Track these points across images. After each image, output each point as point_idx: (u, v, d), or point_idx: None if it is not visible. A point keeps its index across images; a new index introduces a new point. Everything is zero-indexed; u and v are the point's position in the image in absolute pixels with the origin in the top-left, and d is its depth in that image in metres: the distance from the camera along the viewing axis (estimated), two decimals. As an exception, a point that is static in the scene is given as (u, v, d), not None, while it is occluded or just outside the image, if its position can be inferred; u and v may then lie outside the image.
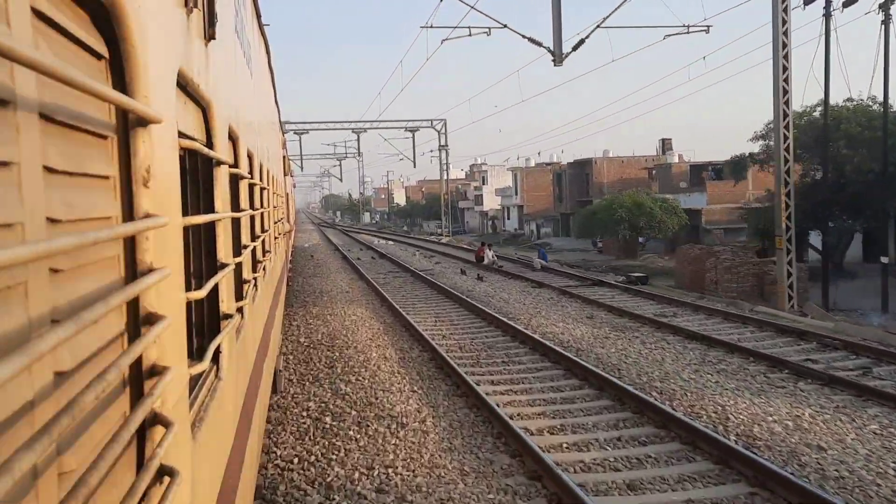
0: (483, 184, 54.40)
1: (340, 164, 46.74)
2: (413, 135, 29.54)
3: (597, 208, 22.12)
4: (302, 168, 33.04)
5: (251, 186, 2.58)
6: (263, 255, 3.05)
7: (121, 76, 0.95)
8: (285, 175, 10.21)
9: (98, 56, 0.92)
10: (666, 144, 35.75)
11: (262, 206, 3.41)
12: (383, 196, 79.34)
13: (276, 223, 5.58)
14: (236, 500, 1.68)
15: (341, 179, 44.74)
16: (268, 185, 3.98)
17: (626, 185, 30.80)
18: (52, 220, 0.71)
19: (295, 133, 28.54)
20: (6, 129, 0.62)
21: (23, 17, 0.65)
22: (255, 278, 2.41)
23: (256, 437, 2.44)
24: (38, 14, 0.70)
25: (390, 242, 23.51)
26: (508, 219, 49.69)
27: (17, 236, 0.62)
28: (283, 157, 9.96)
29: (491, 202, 52.25)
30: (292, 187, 15.28)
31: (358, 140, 32.59)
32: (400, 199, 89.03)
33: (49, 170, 0.71)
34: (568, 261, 18.35)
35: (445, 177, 31.80)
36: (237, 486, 1.74)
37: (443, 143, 29.59)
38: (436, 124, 29.92)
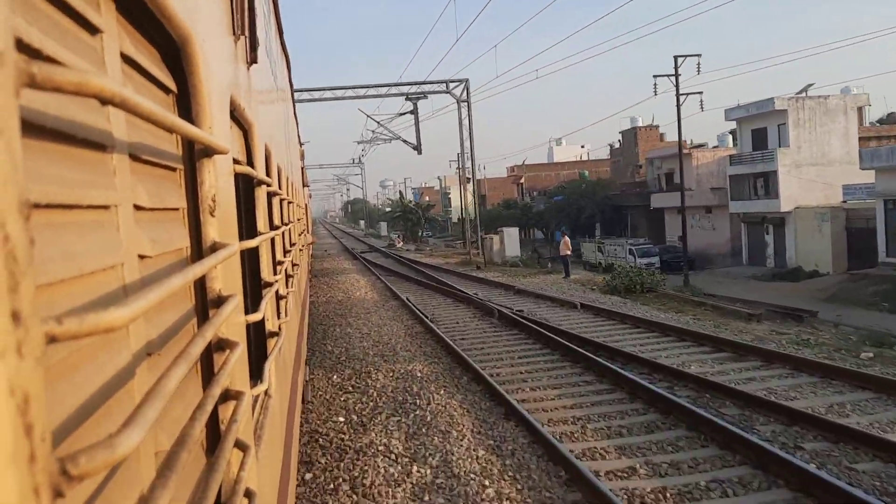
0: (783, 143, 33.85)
1: (406, 124, 42.66)
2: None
3: None
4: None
5: (282, 202, 3.29)
6: (293, 269, 3.77)
7: (187, 109, 1.23)
8: (304, 186, 14.17)
9: (167, 91, 1.20)
10: None
11: (290, 220, 4.17)
12: (427, 198, 75.90)
13: (300, 235, 6.52)
14: None
15: (422, 145, 36.00)
16: (292, 198, 4.86)
17: None
18: (142, 257, 0.92)
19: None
20: (105, 174, 0.80)
21: (115, 61, 0.86)
22: (288, 293, 3.04)
23: (296, 449, 3.12)
24: (124, 57, 0.92)
25: None
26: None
27: (118, 277, 0.81)
28: (302, 168, 13.31)
29: (813, 193, 32.30)
30: (309, 197, 23.20)
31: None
32: (459, 200, 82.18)
33: (138, 208, 0.92)
34: None
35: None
36: (286, 499, 2.31)
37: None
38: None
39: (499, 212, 61.01)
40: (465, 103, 31.69)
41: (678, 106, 26.96)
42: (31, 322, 0.47)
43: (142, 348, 0.88)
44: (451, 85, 31.61)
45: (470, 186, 34.19)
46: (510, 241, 31.52)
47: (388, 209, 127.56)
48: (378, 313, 14.71)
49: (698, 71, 27.76)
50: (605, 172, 60.68)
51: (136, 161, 0.95)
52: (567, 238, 23.27)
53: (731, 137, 44.71)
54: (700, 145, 47.29)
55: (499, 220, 61.44)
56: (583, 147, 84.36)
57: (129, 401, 0.86)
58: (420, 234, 59.01)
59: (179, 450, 0.75)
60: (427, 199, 68.41)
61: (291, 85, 8.05)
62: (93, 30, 0.84)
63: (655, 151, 46.75)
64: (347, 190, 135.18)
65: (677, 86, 27.16)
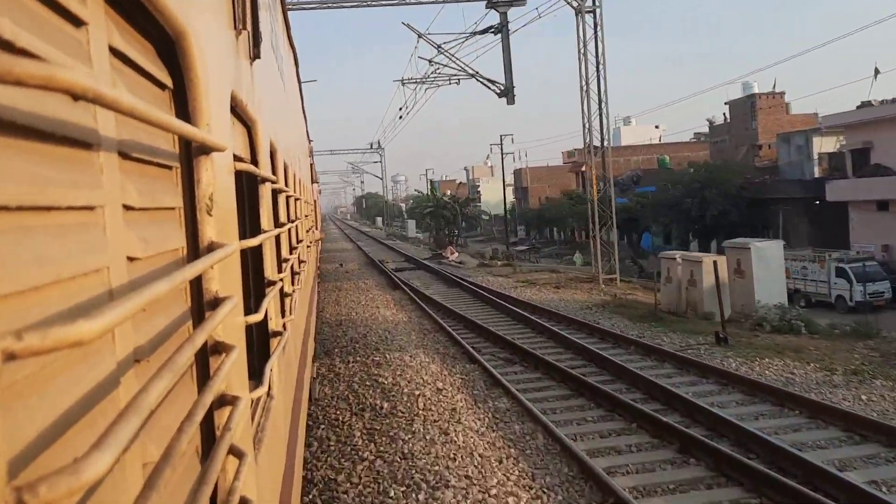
0: None
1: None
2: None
3: None
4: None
5: (288, 199, 4.12)
6: (299, 266, 5.31)
7: (184, 105, 1.58)
8: (312, 182, 18.02)
9: (162, 87, 1.52)
10: None
11: (296, 217, 5.73)
12: (450, 192, 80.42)
13: (307, 232, 8.97)
14: None
15: (513, 89, 29.11)
16: (300, 194, 5.90)
17: None
18: (131, 259, 1.14)
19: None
20: (91, 173, 0.99)
21: (102, 55, 1.07)
22: (294, 291, 4.17)
23: (301, 449, 3.79)
24: (113, 51, 1.16)
25: None
26: None
27: (103, 281, 1.01)
28: (311, 164, 18.07)
29: None
30: (318, 193, 24.79)
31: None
32: (491, 194, 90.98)
33: (127, 208, 1.15)
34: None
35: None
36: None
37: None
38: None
39: (563, 206, 61.13)
40: (592, 13, 26.94)
41: None
42: None
43: (129, 355, 1.05)
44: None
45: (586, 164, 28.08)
46: (765, 268, 19.48)
47: (404, 203, 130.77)
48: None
49: None
50: (686, 158, 60.24)
51: (126, 159, 1.16)
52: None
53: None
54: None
55: (557, 219, 62.99)
56: (657, 128, 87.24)
57: (115, 412, 1.01)
58: (454, 234, 60.59)
59: (164, 465, 0.91)
60: (448, 192, 72.69)
61: (299, 80, 10.03)
62: (77, 22, 1.00)
63: (838, 117, 41.66)
64: (362, 182, 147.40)
65: None
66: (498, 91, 28.15)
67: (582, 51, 26.81)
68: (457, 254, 44.75)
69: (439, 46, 30.47)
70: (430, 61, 32.95)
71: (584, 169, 70.54)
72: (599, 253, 27.62)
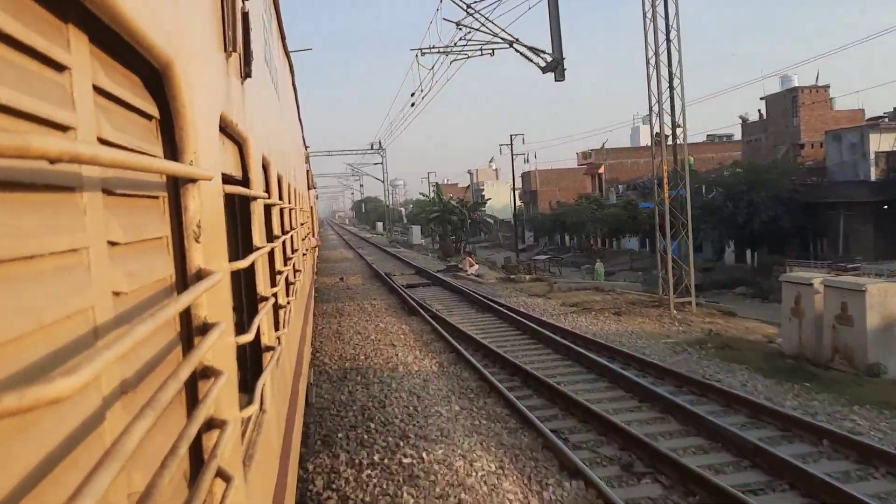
0: None
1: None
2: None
3: None
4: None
5: (282, 210, 5.04)
6: (294, 276, 5.75)
7: (170, 134, 1.74)
8: (309, 189, 20.55)
9: (149, 117, 1.68)
10: None
11: (291, 227, 6.19)
12: (451, 196, 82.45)
13: (303, 240, 9.82)
14: None
15: (563, 63, 23.24)
16: (295, 204, 6.31)
17: None
18: (116, 294, 1.29)
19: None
20: (74, 215, 1.12)
21: (86, 96, 1.22)
22: (289, 302, 4.60)
23: (295, 461, 4.58)
24: (98, 90, 1.32)
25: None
26: None
27: (87, 320, 1.14)
28: (307, 171, 20.54)
29: None
30: (315, 199, 27.70)
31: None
32: (497, 196, 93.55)
33: (112, 243, 1.31)
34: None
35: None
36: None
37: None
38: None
39: (583, 210, 61.47)
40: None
41: None
42: None
43: (116, 388, 1.16)
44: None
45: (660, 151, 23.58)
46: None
47: (403, 208, 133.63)
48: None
49: None
50: (711, 159, 61.95)
51: (111, 195, 1.28)
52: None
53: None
54: None
55: (576, 225, 62.87)
56: (679, 127, 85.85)
57: (100, 447, 1.10)
58: (461, 241, 62.23)
59: (148, 498, 1.01)
60: (450, 196, 75.14)
61: (295, 90, 11.30)
62: (59, 67, 1.11)
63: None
64: (361, 186, 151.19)
65: None
66: (543, 64, 24.57)
67: (649, 14, 23.78)
68: (476, 266, 43.10)
69: (469, 6, 27.06)
70: (457, 24, 28.92)
71: (601, 171, 74.11)
72: (670, 270, 23.54)
